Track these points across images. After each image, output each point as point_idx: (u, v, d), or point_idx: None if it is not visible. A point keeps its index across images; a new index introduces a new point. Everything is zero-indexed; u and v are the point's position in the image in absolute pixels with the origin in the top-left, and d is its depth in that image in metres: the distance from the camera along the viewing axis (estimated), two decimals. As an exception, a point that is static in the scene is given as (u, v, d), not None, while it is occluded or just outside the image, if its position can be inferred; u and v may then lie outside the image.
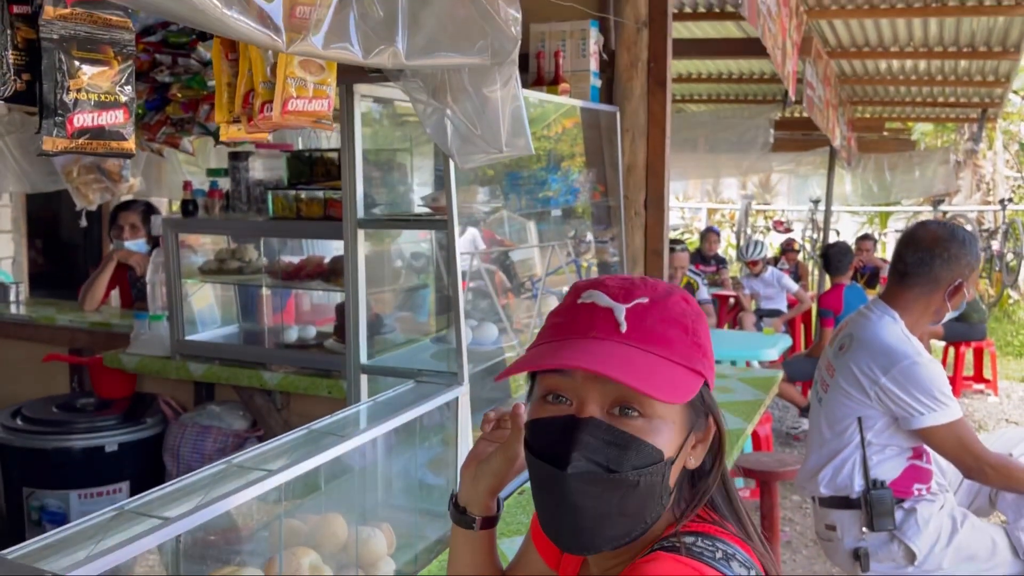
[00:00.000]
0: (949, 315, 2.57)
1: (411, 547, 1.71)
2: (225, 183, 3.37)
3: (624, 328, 0.93)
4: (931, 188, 8.68)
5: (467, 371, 1.90)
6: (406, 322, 2.78)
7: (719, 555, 0.89)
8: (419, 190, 2.85)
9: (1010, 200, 11.17)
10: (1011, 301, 11.02)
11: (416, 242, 3.22)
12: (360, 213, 1.94)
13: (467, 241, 4.17)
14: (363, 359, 2.00)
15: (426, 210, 2.20)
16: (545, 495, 0.94)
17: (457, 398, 1.85)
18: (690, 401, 0.94)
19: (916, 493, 2.47)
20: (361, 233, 1.96)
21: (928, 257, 2.46)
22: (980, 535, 2.44)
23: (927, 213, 11.03)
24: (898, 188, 8.59)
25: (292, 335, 3.32)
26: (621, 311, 0.95)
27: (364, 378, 2.01)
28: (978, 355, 7.29)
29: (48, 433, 3.25)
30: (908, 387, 2.37)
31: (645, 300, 0.95)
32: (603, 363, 0.89)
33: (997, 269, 10.19)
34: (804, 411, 6.04)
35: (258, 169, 3.30)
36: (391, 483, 1.80)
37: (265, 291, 3.50)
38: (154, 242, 3.96)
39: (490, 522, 1.21)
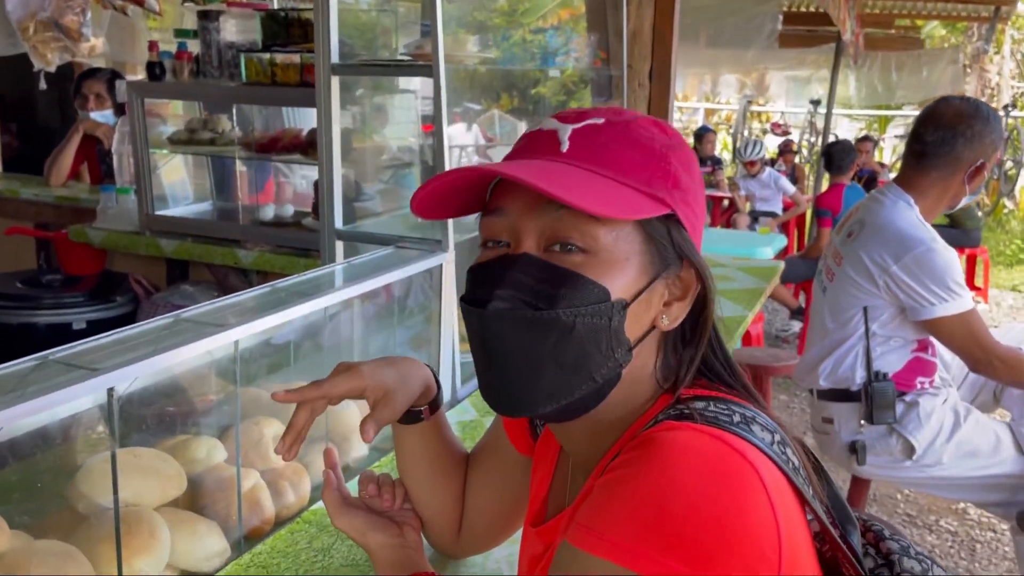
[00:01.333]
0: (966, 199, 2.41)
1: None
2: (194, 46, 3.12)
3: (565, 147, 0.78)
4: (936, 90, 8.38)
5: (452, 238, 1.73)
6: (389, 194, 2.59)
7: (737, 419, 0.73)
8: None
9: (1013, 106, 10.88)
10: (1006, 211, 10.89)
11: (404, 123, 3.02)
12: (335, 58, 1.73)
13: (471, 136, 3.97)
14: (338, 224, 1.82)
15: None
16: (475, 345, 0.80)
17: (441, 265, 1.69)
18: (654, 240, 0.78)
19: (919, 386, 2.36)
20: (335, 81, 1.75)
21: (950, 136, 2.27)
22: (983, 431, 2.34)
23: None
24: (904, 89, 8.30)
25: (268, 212, 3.14)
26: (565, 130, 0.79)
27: (340, 245, 1.83)
28: (971, 262, 7.19)
29: (12, 308, 3.08)
30: (920, 276, 2.22)
31: (600, 121, 0.80)
32: (521, 171, 0.72)
33: (995, 177, 9.99)
34: (794, 313, 5.96)
35: (230, 30, 3.04)
36: (369, 357, 1.65)
37: (240, 167, 3.30)
38: (121, 111, 3.72)
39: (436, 404, 1.08)
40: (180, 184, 3.33)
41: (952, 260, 2.25)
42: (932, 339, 2.35)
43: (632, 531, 0.66)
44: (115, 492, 0.99)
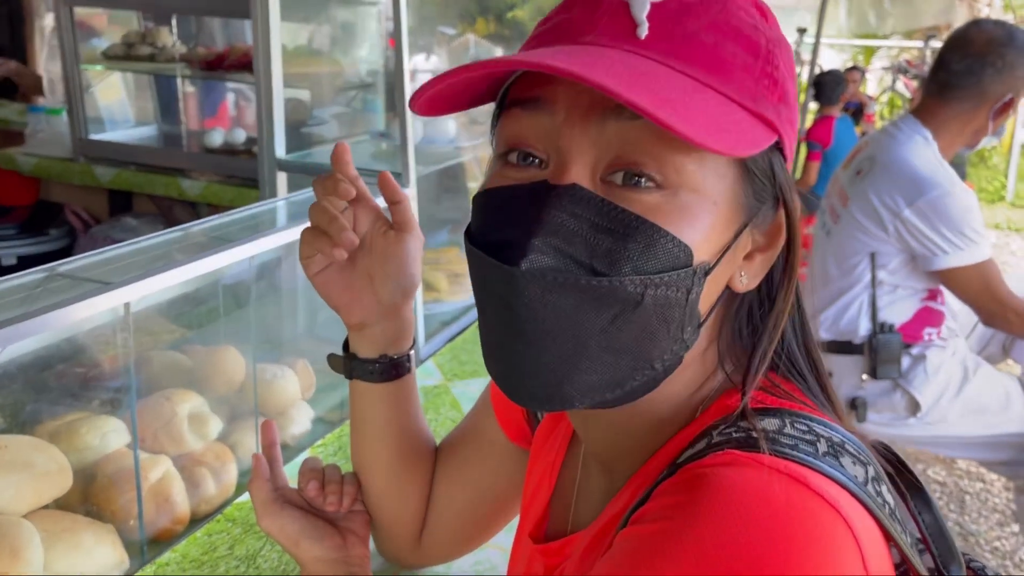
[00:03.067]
0: (987, 139, 2.19)
1: (336, 389, 1.34)
2: (129, -53, 2.78)
3: (644, 30, 0.52)
4: (925, 19, 8.10)
5: (414, 171, 1.47)
6: (349, 119, 2.31)
7: (823, 447, 0.52)
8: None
9: None
10: (989, 147, 10.72)
11: (368, 42, 2.72)
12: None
13: (435, 61, 3.69)
14: (279, 152, 1.55)
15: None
16: (490, 310, 0.56)
17: (400, 204, 1.43)
18: (753, 176, 0.55)
19: (926, 338, 2.18)
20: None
21: (978, 65, 2.03)
22: (992, 387, 2.17)
23: (916, 50, 10.47)
24: (896, 17, 8.01)
25: (217, 138, 2.84)
26: (643, 3, 0.53)
27: (282, 178, 1.57)
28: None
29: (-68, 241, 2.81)
30: (935, 222, 2.01)
31: None
32: (592, 69, 0.47)
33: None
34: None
35: (169, -71, 2.70)
36: (312, 312, 1.41)
37: (187, 87, 2.98)
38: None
39: (404, 366, 0.85)
40: (118, 105, 3.01)
41: (971, 205, 2.04)
42: (942, 287, 2.16)
43: None
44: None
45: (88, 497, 0.97)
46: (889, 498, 0.54)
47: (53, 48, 3.04)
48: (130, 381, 0.95)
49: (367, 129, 2.49)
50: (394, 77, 1.56)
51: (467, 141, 1.91)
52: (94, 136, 2.85)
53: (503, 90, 0.59)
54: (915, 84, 7.40)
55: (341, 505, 0.87)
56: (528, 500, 0.78)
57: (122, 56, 2.80)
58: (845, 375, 2.23)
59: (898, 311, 2.16)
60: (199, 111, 3.10)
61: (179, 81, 2.85)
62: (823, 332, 2.24)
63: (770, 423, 0.53)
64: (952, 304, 2.29)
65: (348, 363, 0.85)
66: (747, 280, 0.59)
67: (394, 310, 0.82)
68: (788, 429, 0.53)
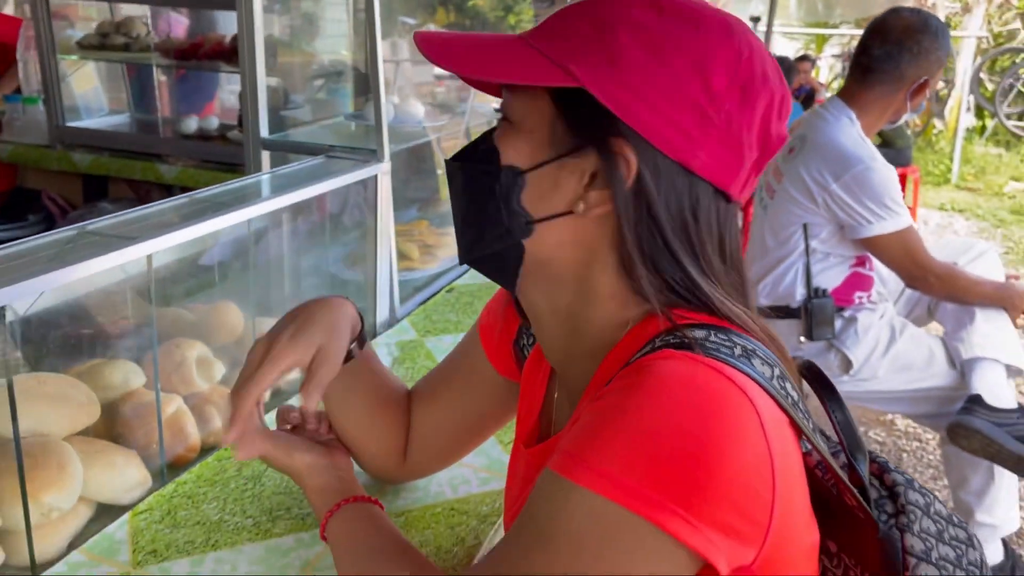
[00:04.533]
0: (906, 116, 2.40)
1: (322, 344, 1.50)
2: (102, -61, 2.87)
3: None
4: (873, 8, 8.35)
5: (388, 148, 1.62)
6: (321, 103, 2.44)
7: (738, 351, 0.68)
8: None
9: (947, 26, 10.93)
10: (936, 131, 11.08)
11: (337, 34, 2.85)
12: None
13: (393, 50, 3.80)
14: (264, 132, 1.69)
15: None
16: None
17: (376, 176, 1.58)
18: (565, 117, 0.72)
19: (857, 302, 2.38)
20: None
21: (896, 51, 2.23)
22: (918, 345, 2.38)
23: (866, 38, 10.77)
24: (845, 6, 8.26)
25: (191, 125, 2.96)
26: (553, 10, 0.80)
27: (266, 156, 1.71)
28: (901, 181, 7.28)
29: (-88, 227, 2.88)
30: (859, 194, 2.21)
31: None
32: (441, 44, 0.76)
33: (927, 98, 10.09)
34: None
35: (142, -78, 2.80)
36: (300, 277, 1.56)
37: (160, 75, 3.09)
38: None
39: (364, 337, 1.01)
40: (94, 93, 3.11)
41: (890, 178, 2.24)
42: (870, 254, 2.36)
43: (619, 462, 0.61)
44: (14, 421, 0.89)
45: (113, 427, 1.11)
46: (793, 393, 0.70)
47: (28, 38, 3.11)
48: (152, 327, 1.09)
49: (337, 112, 2.62)
50: (368, 63, 1.70)
51: (431, 122, 2.06)
52: (70, 123, 2.95)
53: None
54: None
55: (321, 428, 1.03)
56: (521, 418, 0.95)
57: (97, 46, 2.90)
58: (784, 337, 2.36)
59: (830, 277, 2.36)
60: (173, 99, 3.20)
61: (154, 70, 2.96)
62: (762, 298, 2.42)
63: (698, 333, 0.70)
64: (881, 270, 2.49)
65: None
66: (583, 208, 0.73)
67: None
68: (712, 337, 0.69)
